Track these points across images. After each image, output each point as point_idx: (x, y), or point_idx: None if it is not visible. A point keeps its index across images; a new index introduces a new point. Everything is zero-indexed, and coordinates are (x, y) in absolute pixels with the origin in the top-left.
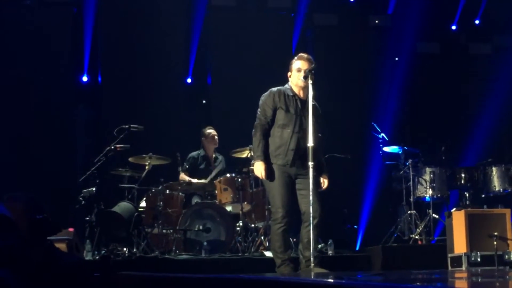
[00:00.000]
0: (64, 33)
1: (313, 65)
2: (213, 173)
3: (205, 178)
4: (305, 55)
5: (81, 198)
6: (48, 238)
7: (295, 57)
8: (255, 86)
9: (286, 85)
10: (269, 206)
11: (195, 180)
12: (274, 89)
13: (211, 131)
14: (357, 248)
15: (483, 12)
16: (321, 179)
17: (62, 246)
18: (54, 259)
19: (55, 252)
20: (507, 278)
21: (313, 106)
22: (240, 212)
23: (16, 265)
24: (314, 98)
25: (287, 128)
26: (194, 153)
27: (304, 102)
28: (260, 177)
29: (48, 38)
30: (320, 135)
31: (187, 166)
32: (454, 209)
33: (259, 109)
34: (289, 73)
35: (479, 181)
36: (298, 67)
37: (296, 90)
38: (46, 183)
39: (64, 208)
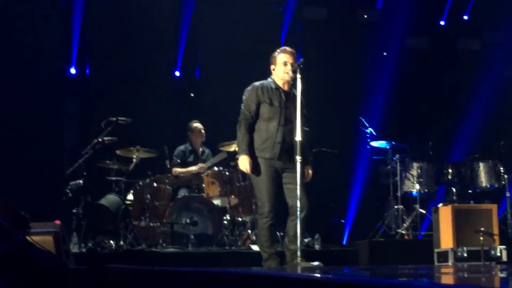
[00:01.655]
0: (52, 24)
1: (302, 59)
2: (216, 159)
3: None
4: (288, 49)
5: (68, 191)
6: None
7: (278, 50)
8: (243, 79)
9: (269, 79)
10: (256, 200)
11: (192, 167)
12: (257, 83)
13: (197, 125)
14: (344, 243)
15: (471, 8)
16: (305, 170)
17: (48, 239)
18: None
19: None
20: (493, 273)
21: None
22: (227, 206)
23: (15, 273)
24: (303, 92)
25: (273, 121)
26: (181, 147)
27: (288, 94)
28: (245, 171)
29: (36, 29)
30: (306, 128)
31: (178, 160)
32: (441, 204)
33: (242, 104)
34: (272, 67)
35: (466, 176)
36: (284, 60)
37: (280, 83)
38: (33, 175)
39: (51, 200)
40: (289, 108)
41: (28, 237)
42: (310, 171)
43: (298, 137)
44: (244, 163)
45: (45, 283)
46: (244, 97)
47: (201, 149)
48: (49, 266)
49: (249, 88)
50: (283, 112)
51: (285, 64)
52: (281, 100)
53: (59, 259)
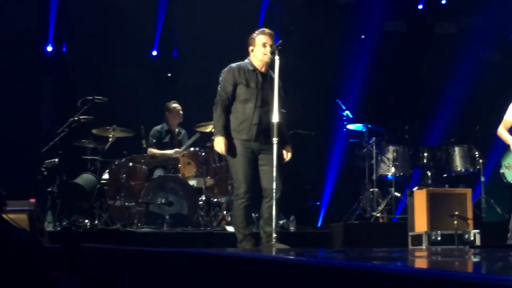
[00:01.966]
0: (29, 2)
1: (281, 41)
2: (190, 142)
3: (169, 150)
4: (267, 30)
5: (43, 169)
6: (7, 208)
7: (256, 32)
8: (221, 60)
9: (246, 60)
10: (232, 181)
11: (168, 151)
12: (234, 64)
13: (176, 105)
14: (319, 225)
15: None
16: (284, 152)
17: (23, 217)
18: (4, 233)
19: (6, 225)
20: (466, 257)
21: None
22: (203, 187)
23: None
24: (280, 75)
25: (249, 103)
26: (157, 127)
27: (265, 76)
28: (220, 153)
29: (12, 7)
30: (283, 110)
31: (154, 140)
32: (416, 188)
33: (219, 85)
34: (250, 48)
35: (442, 160)
36: (263, 42)
37: (258, 64)
38: (8, 153)
39: (26, 178)
40: (266, 89)
41: (4, 215)
42: (289, 152)
43: (275, 119)
44: (219, 144)
45: (19, 261)
46: (220, 78)
47: (177, 130)
48: (23, 244)
49: (225, 69)
50: (260, 94)
51: (264, 45)
52: (258, 81)
53: (34, 237)
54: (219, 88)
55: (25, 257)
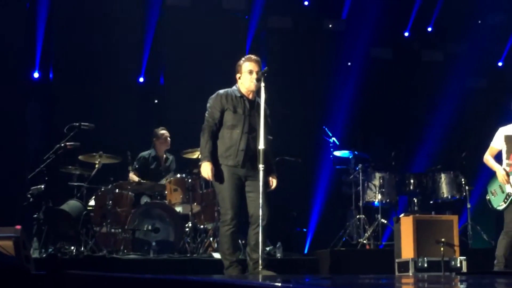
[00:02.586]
0: (16, 28)
1: (266, 68)
2: (168, 176)
3: (156, 178)
4: (253, 57)
5: (29, 195)
6: None
7: (243, 59)
8: (208, 87)
9: (234, 87)
10: (219, 208)
11: (143, 181)
12: (221, 91)
13: (164, 132)
14: (306, 252)
15: (435, 20)
16: (270, 179)
17: (8, 244)
18: None
19: None
20: (453, 284)
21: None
22: (190, 213)
23: None
24: (266, 101)
25: (236, 129)
26: (144, 153)
27: (253, 102)
28: (207, 178)
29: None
30: (270, 137)
31: (137, 166)
32: (402, 214)
33: (206, 112)
34: (238, 75)
35: (428, 187)
36: (250, 69)
37: (245, 91)
38: None
39: (11, 205)
40: (253, 116)
41: None
42: (274, 180)
43: (261, 145)
44: (206, 170)
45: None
46: (208, 104)
47: (164, 156)
48: (9, 270)
49: (213, 96)
50: (247, 120)
51: (250, 72)
52: (245, 108)
53: (20, 263)
54: (206, 114)
55: (11, 283)
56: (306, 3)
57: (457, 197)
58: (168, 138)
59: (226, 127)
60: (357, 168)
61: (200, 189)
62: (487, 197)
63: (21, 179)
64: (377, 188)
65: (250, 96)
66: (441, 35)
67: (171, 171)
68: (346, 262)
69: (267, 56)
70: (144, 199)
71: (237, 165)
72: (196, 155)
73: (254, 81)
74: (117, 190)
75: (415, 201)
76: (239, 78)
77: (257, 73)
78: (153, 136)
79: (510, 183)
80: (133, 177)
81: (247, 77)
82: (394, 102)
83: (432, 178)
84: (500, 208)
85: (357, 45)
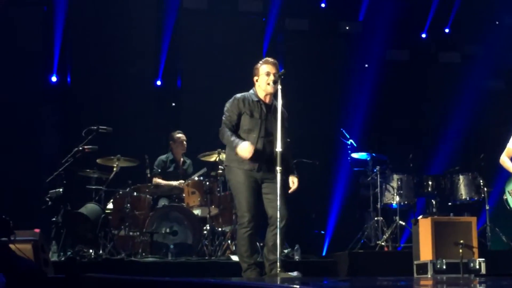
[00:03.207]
0: (33, 32)
1: (283, 70)
2: (196, 175)
3: (174, 180)
4: (270, 59)
5: (47, 199)
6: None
7: (260, 62)
8: (224, 90)
9: (251, 91)
10: (236, 210)
11: (174, 182)
12: (238, 95)
13: (180, 135)
14: (324, 254)
15: (453, 21)
16: (291, 180)
17: (27, 247)
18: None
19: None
20: (471, 286)
21: (281, 111)
22: (208, 216)
23: None
24: (283, 104)
25: (253, 133)
26: (162, 157)
27: (269, 106)
28: (249, 155)
29: (17, 37)
30: (288, 140)
31: (159, 170)
32: (420, 216)
33: (224, 115)
34: (255, 78)
35: (446, 189)
36: (267, 71)
37: (262, 95)
38: (12, 183)
39: (30, 209)
40: (269, 120)
41: (10, 245)
42: (295, 180)
43: (278, 147)
44: (244, 147)
45: None
46: (225, 108)
47: (182, 159)
48: (27, 273)
49: (230, 100)
50: (264, 124)
51: (267, 74)
52: (262, 112)
53: (38, 267)
54: (223, 118)
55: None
56: (323, 5)
57: (476, 198)
58: (185, 142)
59: (243, 131)
60: (375, 170)
61: (218, 192)
62: (505, 197)
63: (39, 183)
64: (395, 190)
65: (267, 100)
66: (459, 36)
67: (188, 174)
68: (364, 264)
69: (284, 58)
70: (162, 202)
71: (252, 169)
72: (213, 158)
73: (271, 83)
74: (135, 193)
75: (433, 203)
76: (257, 80)
77: (274, 75)
78: (169, 139)
79: None
80: (159, 180)
81: (265, 79)
82: (411, 104)
83: (450, 179)
84: None
85: (374, 47)
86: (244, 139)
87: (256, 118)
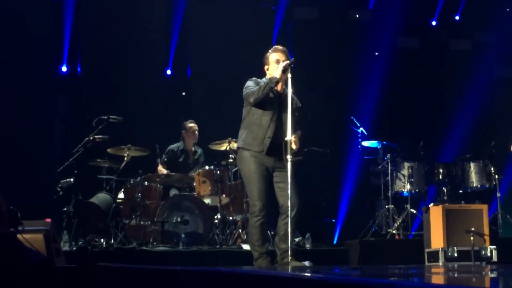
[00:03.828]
0: (43, 22)
1: (293, 59)
2: (197, 168)
3: (185, 171)
4: (280, 47)
5: (59, 189)
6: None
7: (270, 51)
8: (234, 79)
9: (264, 79)
10: (247, 199)
11: (172, 173)
12: (254, 78)
13: (192, 125)
14: (335, 242)
15: (463, 8)
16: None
17: (39, 237)
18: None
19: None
20: (483, 273)
21: (292, 99)
22: (218, 205)
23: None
24: (293, 92)
25: (265, 116)
26: (173, 146)
27: (281, 95)
28: (281, 69)
29: (27, 27)
30: (298, 131)
31: (166, 159)
32: (431, 204)
33: (246, 89)
34: (266, 67)
35: (457, 176)
36: (277, 58)
37: None
38: (24, 173)
39: (41, 198)
40: (281, 108)
41: (19, 235)
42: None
43: (288, 136)
44: (279, 68)
45: (30, 282)
46: (246, 85)
47: (193, 149)
48: (35, 264)
49: (249, 80)
50: (276, 110)
51: (277, 62)
52: (274, 100)
53: (45, 258)
54: (245, 90)
55: (36, 278)
56: None
57: (487, 186)
58: (196, 132)
59: (256, 114)
60: (385, 158)
61: (228, 181)
62: None
63: (50, 173)
64: (406, 178)
65: (279, 88)
66: (469, 23)
67: (199, 163)
68: (375, 253)
69: (294, 47)
70: (173, 192)
71: (262, 151)
72: (224, 146)
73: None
74: (146, 183)
75: (445, 190)
76: (267, 69)
77: (284, 62)
78: (181, 129)
79: None
80: (162, 169)
81: (274, 66)
82: (421, 92)
83: (461, 167)
84: None
85: (384, 35)
86: (257, 122)
87: (269, 103)
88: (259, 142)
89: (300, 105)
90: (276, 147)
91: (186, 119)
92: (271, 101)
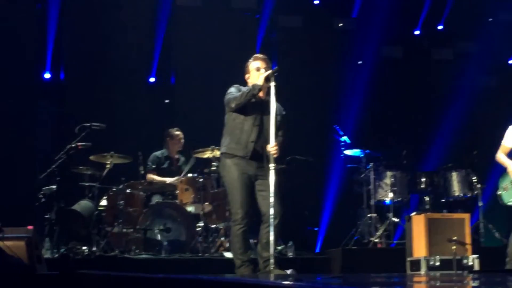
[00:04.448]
0: (27, 29)
1: (277, 67)
2: (188, 167)
3: (169, 177)
4: (260, 55)
5: (41, 196)
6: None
7: (250, 59)
8: (218, 87)
9: (247, 87)
10: (230, 207)
11: (168, 179)
12: (236, 85)
13: (178, 133)
14: (317, 250)
15: (446, 18)
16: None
17: (20, 244)
18: None
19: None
20: (465, 282)
21: (276, 107)
22: (201, 213)
23: None
24: (277, 100)
25: (248, 121)
26: (157, 153)
27: (263, 102)
28: (263, 78)
29: (11, 34)
30: (280, 137)
31: (154, 166)
32: (414, 213)
33: (228, 95)
34: (246, 75)
35: (439, 185)
36: (257, 66)
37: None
38: (5, 180)
39: (23, 205)
40: (263, 113)
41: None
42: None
43: (271, 143)
44: (263, 74)
45: None
46: (229, 91)
47: (176, 156)
48: (16, 271)
49: (231, 87)
50: (259, 116)
51: (258, 69)
52: (256, 107)
53: (26, 265)
54: (228, 95)
55: (17, 285)
56: (316, 1)
57: (469, 195)
58: (182, 140)
59: (238, 120)
60: (368, 167)
61: (211, 189)
62: (498, 192)
63: (32, 180)
64: (389, 187)
65: (261, 95)
66: (452, 33)
67: (183, 171)
68: (357, 261)
69: (278, 55)
70: (156, 199)
71: (245, 156)
72: (207, 154)
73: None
74: (128, 190)
75: (427, 199)
76: (248, 78)
77: (265, 69)
78: (166, 136)
79: None
80: (154, 176)
81: (255, 74)
82: (404, 101)
83: (444, 176)
84: (511, 203)
85: (368, 44)
86: (239, 127)
87: (251, 109)
88: (243, 146)
89: (284, 113)
90: (258, 152)
91: (169, 126)
92: (254, 106)
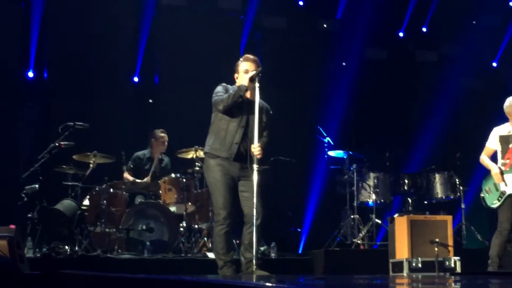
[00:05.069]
0: (10, 28)
1: (260, 68)
2: (152, 169)
3: (148, 178)
4: (251, 56)
5: (23, 195)
6: None
7: (241, 59)
8: (202, 87)
9: (234, 86)
10: (213, 207)
11: (138, 180)
12: (223, 84)
13: (163, 135)
14: (300, 252)
15: (430, 20)
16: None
17: (2, 243)
18: None
19: None
20: (447, 284)
21: (262, 108)
22: (184, 213)
23: None
24: (263, 100)
25: (233, 122)
26: (139, 153)
27: (250, 102)
28: (253, 76)
29: None
30: (264, 138)
31: (131, 166)
32: (396, 214)
33: (215, 96)
34: (235, 75)
35: (422, 187)
36: (245, 68)
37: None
38: None
39: (6, 204)
40: (249, 114)
41: None
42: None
43: (255, 144)
44: (245, 79)
45: None
46: (216, 90)
47: (160, 157)
48: (2, 270)
49: (218, 86)
50: (244, 117)
51: (246, 72)
52: (243, 107)
53: (12, 263)
54: (216, 97)
55: (3, 283)
56: (301, 3)
57: (451, 197)
58: (166, 142)
59: (224, 120)
60: (351, 168)
61: (194, 189)
62: (481, 195)
63: (15, 179)
64: (372, 188)
65: (249, 96)
66: (436, 35)
67: (166, 171)
68: (340, 262)
69: (262, 56)
70: (139, 199)
71: (229, 157)
72: (190, 155)
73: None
74: (111, 190)
75: (410, 201)
76: (237, 78)
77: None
78: (151, 137)
79: (505, 182)
80: (127, 176)
81: (242, 76)
82: (388, 102)
83: (427, 178)
84: (494, 206)
85: (352, 45)
86: (224, 128)
87: (237, 110)
88: (227, 148)
89: (271, 112)
90: (242, 153)
91: (153, 126)
92: (240, 107)
